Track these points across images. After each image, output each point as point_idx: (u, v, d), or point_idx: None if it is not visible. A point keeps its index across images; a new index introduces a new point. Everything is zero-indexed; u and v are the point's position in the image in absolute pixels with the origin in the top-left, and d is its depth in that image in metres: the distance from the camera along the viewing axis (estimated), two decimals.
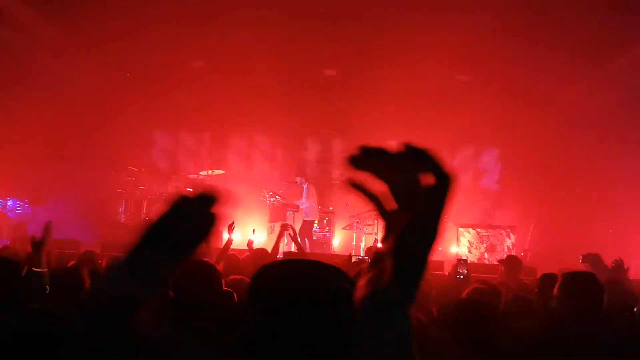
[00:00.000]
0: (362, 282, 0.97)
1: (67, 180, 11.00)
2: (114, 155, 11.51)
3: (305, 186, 11.04)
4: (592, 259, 4.37)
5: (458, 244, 11.03)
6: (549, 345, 2.61)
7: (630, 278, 5.33)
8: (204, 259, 3.35)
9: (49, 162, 10.98)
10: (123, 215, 11.75)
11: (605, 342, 2.87)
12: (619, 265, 4.52)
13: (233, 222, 5.97)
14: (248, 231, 6.89)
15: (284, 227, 6.43)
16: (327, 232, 11.68)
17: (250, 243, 6.21)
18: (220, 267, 4.20)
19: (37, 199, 11.26)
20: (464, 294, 3.40)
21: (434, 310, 3.74)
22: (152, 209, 11.29)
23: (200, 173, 11.90)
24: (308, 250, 10.10)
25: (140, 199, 11.63)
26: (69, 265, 4.23)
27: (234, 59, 11.41)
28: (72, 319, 2.10)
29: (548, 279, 3.85)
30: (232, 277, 3.76)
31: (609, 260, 4.96)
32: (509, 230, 10.89)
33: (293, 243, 6.76)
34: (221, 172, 11.98)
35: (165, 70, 11.37)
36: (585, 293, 3.09)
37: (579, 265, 5.05)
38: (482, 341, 2.65)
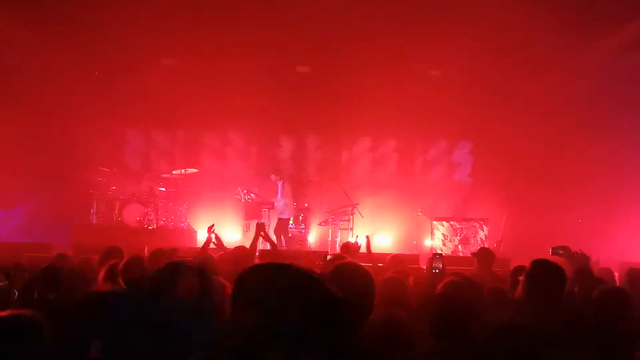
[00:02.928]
0: None
1: (37, 182, 10.75)
2: (84, 155, 11.27)
3: (279, 184, 10.99)
4: (563, 251, 4.42)
5: (432, 237, 11.15)
6: (517, 335, 2.65)
7: (600, 267, 5.46)
8: None
9: (18, 163, 10.69)
10: (95, 217, 11.53)
11: (565, 329, 2.95)
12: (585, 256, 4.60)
13: (213, 225, 6.20)
14: (224, 231, 6.89)
15: (260, 227, 6.41)
16: (302, 228, 11.66)
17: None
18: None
19: (6, 202, 10.97)
20: (438, 288, 3.41)
21: (413, 304, 3.74)
22: (123, 210, 11.10)
23: (174, 172, 11.74)
24: (284, 247, 10.08)
25: (112, 200, 11.41)
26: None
27: (206, 56, 11.29)
28: (41, 322, 2.06)
29: (520, 272, 3.89)
30: None
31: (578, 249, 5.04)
32: (482, 222, 11.05)
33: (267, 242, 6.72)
34: (194, 170, 11.85)
35: (136, 68, 11.18)
36: (547, 280, 3.16)
37: (550, 255, 5.12)
38: (459, 334, 2.68)
